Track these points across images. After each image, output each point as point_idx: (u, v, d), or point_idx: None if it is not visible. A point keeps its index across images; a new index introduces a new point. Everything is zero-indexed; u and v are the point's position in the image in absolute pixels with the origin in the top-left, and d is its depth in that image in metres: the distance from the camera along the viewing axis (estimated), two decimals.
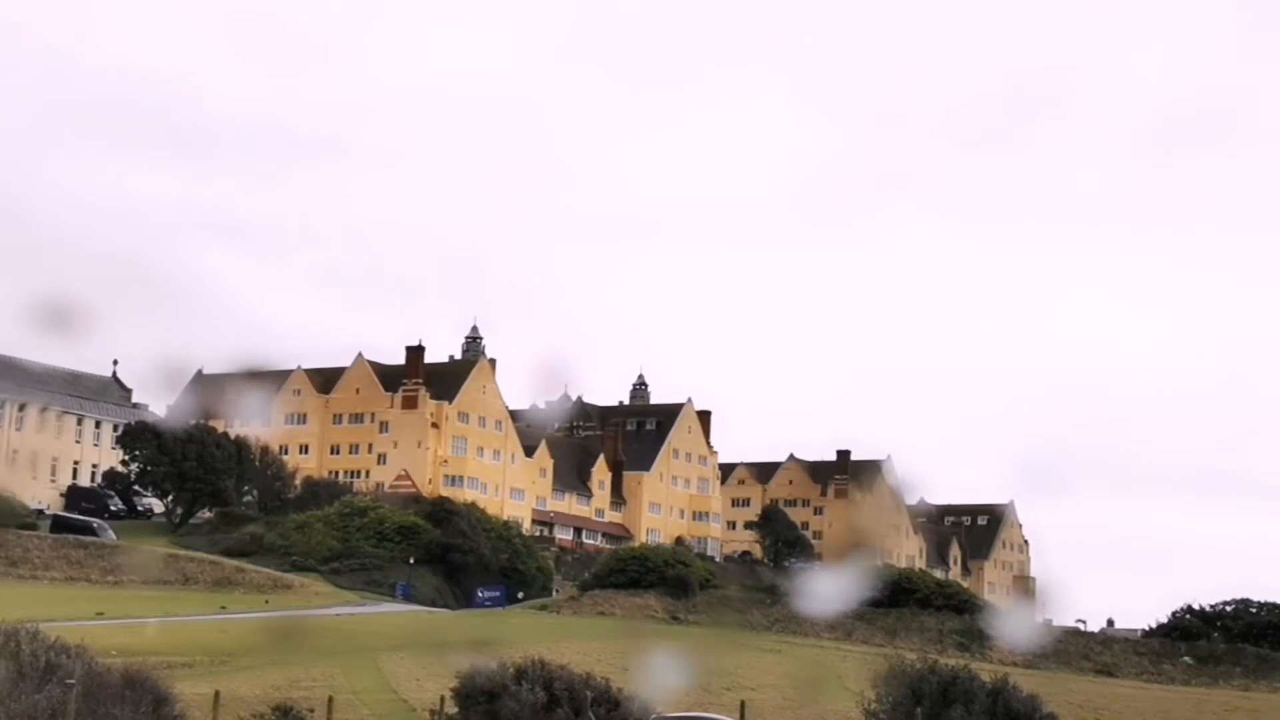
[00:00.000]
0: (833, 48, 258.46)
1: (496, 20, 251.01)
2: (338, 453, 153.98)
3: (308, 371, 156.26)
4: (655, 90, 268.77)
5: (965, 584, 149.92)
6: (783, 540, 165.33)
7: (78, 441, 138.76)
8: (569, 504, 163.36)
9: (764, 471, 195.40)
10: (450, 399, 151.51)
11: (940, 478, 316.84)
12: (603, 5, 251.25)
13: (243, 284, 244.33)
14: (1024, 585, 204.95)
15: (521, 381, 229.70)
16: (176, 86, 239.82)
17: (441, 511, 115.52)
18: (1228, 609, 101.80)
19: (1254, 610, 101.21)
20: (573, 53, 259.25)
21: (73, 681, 33.48)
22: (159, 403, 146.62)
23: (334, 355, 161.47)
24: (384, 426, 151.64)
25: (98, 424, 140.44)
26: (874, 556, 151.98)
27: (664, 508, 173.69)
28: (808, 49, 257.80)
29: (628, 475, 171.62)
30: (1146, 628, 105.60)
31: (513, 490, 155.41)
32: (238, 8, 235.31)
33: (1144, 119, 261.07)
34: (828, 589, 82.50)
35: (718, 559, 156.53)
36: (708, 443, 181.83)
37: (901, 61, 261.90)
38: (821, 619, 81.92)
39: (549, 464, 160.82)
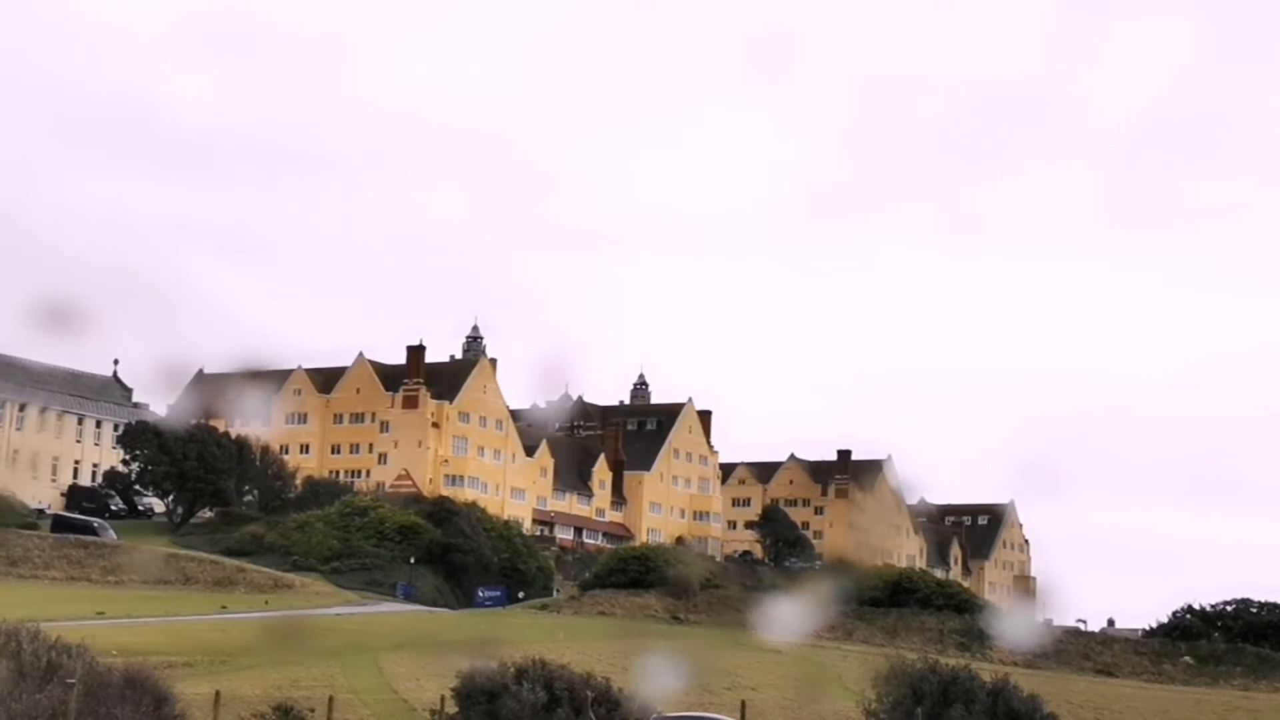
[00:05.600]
0: (826, 61, 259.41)
1: (497, 35, 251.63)
2: (338, 452, 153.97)
3: (308, 371, 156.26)
4: (656, 101, 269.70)
5: (966, 584, 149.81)
6: (783, 540, 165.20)
7: (78, 441, 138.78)
8: (569, 504, 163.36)
9: (764, 471, 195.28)
10: (451, 399, 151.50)
11: (940, 478, 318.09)
12: (602, 19, 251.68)
13: (244, 285, 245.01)
14: (1024, 585, 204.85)
15: (522, 381, 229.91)
16: (177, 101, 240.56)
17: (442, 511, 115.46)
18: (1228, 609, 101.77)
19: (1254, 610, 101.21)
20: (573, 64, 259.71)
21: (73, 681, 33.49)
22: (159, 402, 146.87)
23: (334, 355, 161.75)
24: (385, 426, 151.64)
25: (98, 424, 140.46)
26: (875, 557, 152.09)
27: (664, 507, 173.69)
28: (802, 63, 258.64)
29: (628, 475, 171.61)
30: (1147, 628, 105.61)
31: (513, 490, 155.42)
32: (240, 21, 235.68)
33: (1128, 129, 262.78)
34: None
35: (718, 559, 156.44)
36: (708, 443, 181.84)
37: (896, 67, 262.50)
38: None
39: (549, 464, 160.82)
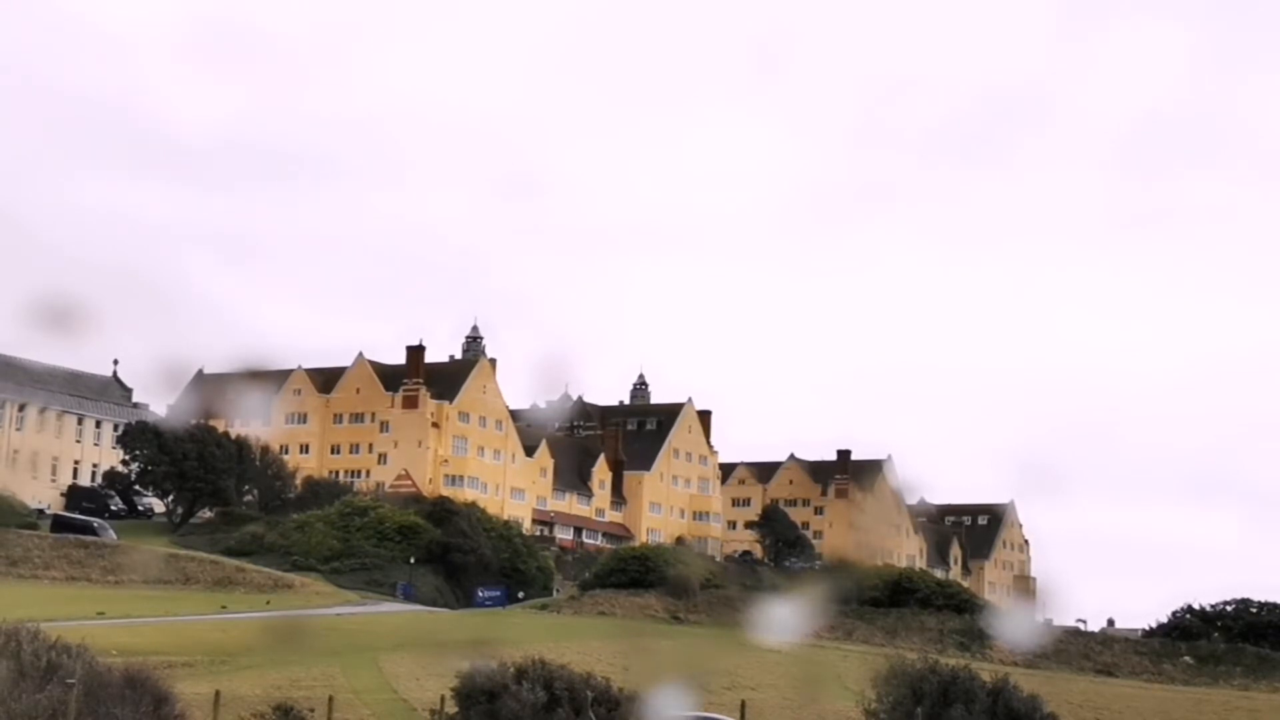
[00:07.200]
0: (825, 62, 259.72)
1: (498, 36, 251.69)
2: (338, 452, 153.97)
3: (308, 371, 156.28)
4: (656, 101, 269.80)
5: (965, 584, 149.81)
6: (783, 540, 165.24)
7: (78, 441, 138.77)
8: (569, 504, 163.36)
9: (764, 471, 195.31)
10: (451, 399, 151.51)
11: (940, 478, 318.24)
12: (602, 21, 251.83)
13: (244, 285, 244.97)
14: (1024, 585, 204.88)
15: (522, 381, 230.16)
16: (177, 103, 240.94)
17: (442, 511, 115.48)
18: (1228, 609, 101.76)
19: (1254, 610, 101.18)
20: (573, 66, 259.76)
21: (73, 681, 33.47)
22: (159, 402, 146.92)
23: (334, 355, 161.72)
24: (384, 426, 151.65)
25: (98, 424, 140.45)
26: (875, 557, 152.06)
27: (664, 507, 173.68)
28: (801, 64, 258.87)
29: (628, 475, 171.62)
30: (1147, 628, 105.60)
31: (513, 490, 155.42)
32: (240, 23, 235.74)
33: (1128, 130, 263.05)
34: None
35: (718, 559, 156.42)
36: (708, 442, 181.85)
37: (896, 68, 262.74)
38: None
39: (549, 464, 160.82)
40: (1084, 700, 70.11)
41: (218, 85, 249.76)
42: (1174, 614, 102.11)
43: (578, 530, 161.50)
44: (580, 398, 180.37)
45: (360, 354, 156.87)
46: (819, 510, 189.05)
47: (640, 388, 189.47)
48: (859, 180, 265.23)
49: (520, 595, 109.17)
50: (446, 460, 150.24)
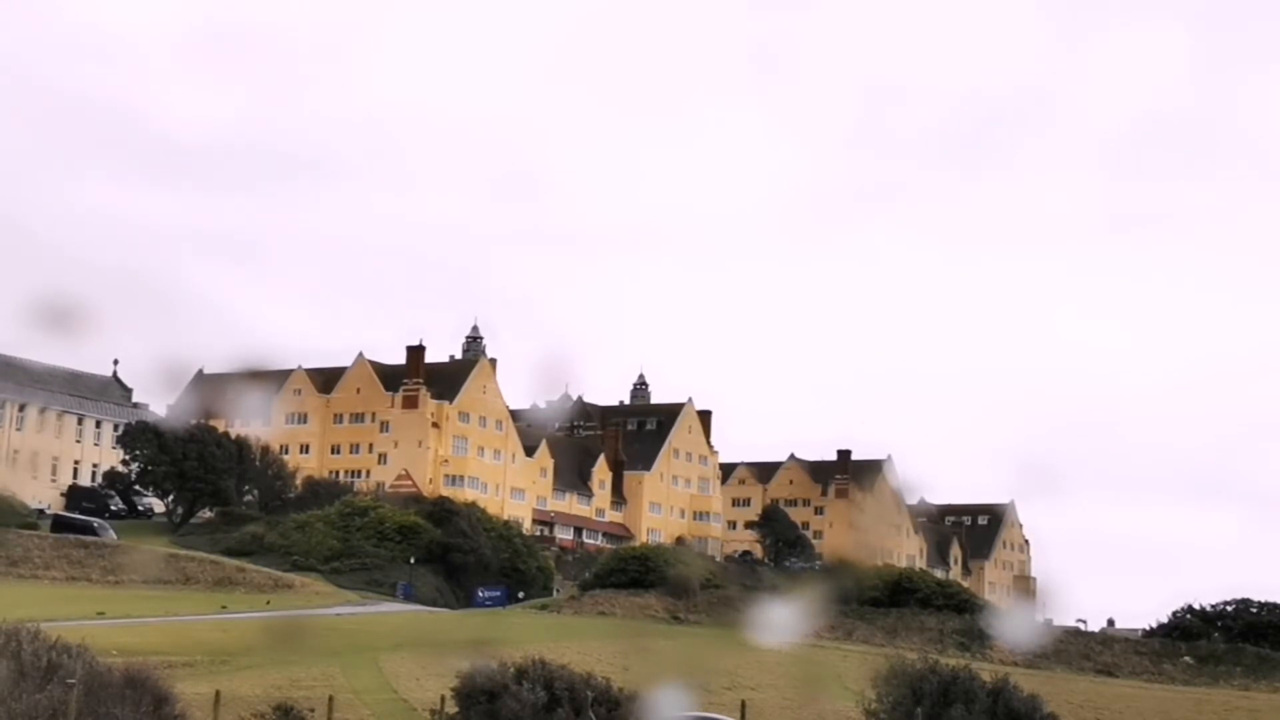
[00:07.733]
0: (824, 65, 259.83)
1: (498, 38, 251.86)
2: (338, 452, 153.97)
3: (308, 371, 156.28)
4: (656, 103, 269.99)
5: (966, 584, 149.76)
6: (783, 540, 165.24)
7: (78, 441, 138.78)
8: (569, 504, 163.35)
9: (764, 471, 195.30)
10: (451, 399, 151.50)
11: (940, 478, 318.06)
12: (602, 23, 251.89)
13: (244, 286, 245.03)
14: (1024, 585, 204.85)
15: (522, 381, 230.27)
16: (177, 105, 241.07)
17: (442, 511, 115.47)
18: (1228, 609, 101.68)
19: (1254, 610, 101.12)
20: (572, 68, 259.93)
21: (74, 681, 33.47)
22: (159, 402, 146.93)
23: (334, 355, 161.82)
24: (384, 426, 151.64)
25: (98, 424, 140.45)
26: (875, 557, 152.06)
27: (664, 507, 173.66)
28: (800, 67, 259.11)
29: (628, 475, 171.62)
30: (1147, 628, 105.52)
31: (513, 490, 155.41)
32: (239, 25, 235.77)
33: (1126, 132, 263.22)
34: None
35: (718, 559, 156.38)
36: (708, 442, 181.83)
37: (894, 72, 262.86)
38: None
39: (549, 464, 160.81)
40: (1084, 700, 70.07)
41: (218, 85, 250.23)
42: (1174, 614, 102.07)
43: (578, 530, 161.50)
44: (580, 398, 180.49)
45: (360, 354, 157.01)
46: (819, 510, 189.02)
47: (640, 388, 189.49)
48: (859, 181, 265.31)
49: (520, 595, 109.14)
50: (446, 460, 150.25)
